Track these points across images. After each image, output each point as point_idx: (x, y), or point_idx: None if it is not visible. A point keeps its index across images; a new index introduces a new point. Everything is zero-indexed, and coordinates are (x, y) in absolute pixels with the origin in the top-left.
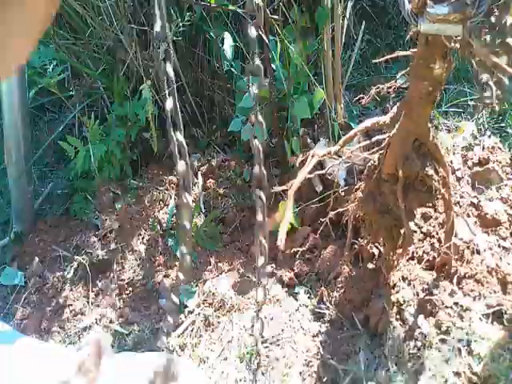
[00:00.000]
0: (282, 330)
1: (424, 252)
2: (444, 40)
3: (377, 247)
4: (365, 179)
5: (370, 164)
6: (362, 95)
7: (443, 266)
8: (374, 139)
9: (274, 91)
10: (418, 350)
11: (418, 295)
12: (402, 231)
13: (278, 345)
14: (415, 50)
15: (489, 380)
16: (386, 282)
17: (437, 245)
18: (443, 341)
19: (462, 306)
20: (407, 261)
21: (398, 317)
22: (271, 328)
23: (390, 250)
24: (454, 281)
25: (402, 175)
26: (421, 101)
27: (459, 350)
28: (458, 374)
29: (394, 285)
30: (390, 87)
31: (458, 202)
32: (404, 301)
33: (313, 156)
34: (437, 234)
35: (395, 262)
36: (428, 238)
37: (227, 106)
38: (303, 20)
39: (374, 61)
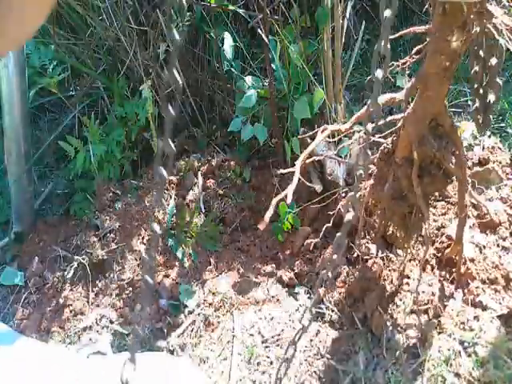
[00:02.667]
0: (282, 330)
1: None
2: (462, 6)
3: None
4: (377, 164)
5: (382, 147)
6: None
7: (445, 265)
8: (385, 120)
9: (274, 91)
10: (418, 349)
11: (417, 294)
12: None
13: (278, 345)
14: (430, 25)
15: None
16: (385, 279)
17: (435, 247)
18: (443, 341)
19: (463, 306)
20: (408, 261)
21: (396, 316)
22: (271, 328)
23: (402, 239)
24: (456, 280)
25: (417, 157)
26: (437, 77)
27: (459, 351)
28: (457, 375)
29: (394, 283)
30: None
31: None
32: (403, 300)
33: (323, 130)
34: (436, 236)
35: (409, 252)
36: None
37: (227, 106)
38: (303, 20)
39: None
